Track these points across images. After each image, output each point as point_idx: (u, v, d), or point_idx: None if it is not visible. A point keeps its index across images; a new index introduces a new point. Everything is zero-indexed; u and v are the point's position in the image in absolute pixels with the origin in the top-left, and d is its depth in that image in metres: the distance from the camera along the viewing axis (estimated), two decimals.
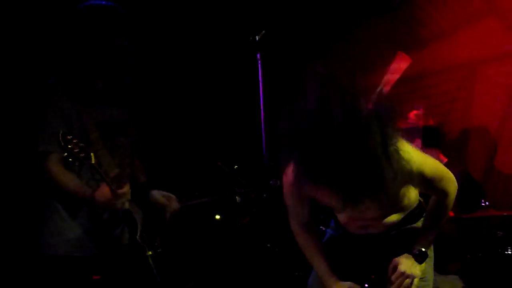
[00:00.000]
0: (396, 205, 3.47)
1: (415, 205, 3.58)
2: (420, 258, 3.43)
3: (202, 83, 6.25)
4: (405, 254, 3.44)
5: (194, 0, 6.16)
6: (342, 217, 3.61)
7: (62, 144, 3.68)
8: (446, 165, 5.48)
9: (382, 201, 3.13)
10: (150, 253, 4.12)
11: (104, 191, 3.86)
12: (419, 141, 5.62)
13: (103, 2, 4.10)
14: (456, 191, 3.47)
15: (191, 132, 6.21)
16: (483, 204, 5.07)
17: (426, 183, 3.36)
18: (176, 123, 6.18)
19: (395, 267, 3.42)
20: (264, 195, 5.31)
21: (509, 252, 5.05)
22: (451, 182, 3.46)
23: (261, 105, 3.37)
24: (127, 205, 3.98)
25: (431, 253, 3.60)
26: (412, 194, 3.51)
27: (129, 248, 4.08)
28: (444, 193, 3.46)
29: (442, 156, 5.69)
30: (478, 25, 6.05)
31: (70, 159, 3.72)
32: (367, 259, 3.61)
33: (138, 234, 4.08)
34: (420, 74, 6.26)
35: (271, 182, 4.36)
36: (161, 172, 5.91)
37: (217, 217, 5.93)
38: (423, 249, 3.43)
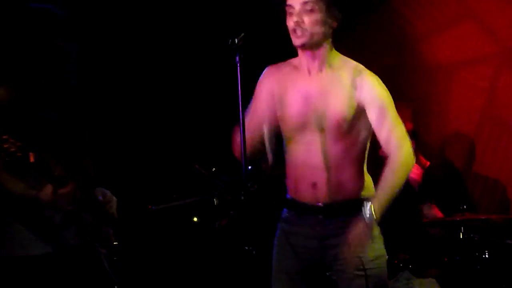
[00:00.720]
0: (345, 146, 3.55)
1: (365, 185, 3.63)
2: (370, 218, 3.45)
3: (181, 84, 6.23)
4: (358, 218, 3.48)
5: (173, 1, 6.15)
6: (292, 164, 3.66)
7: None
8: (429, 168, 5.55)
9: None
10: (104, 251, 4.10)
11: (47, 191, 3.84)
12: (413, 143, 5.63)
13: (40, 5, 4.11)
14: (410, 157, 3.55)
15: (169, 134, 6.18)
16: (460, 207, 5.09)
17: (377, 110, 3.51)
18: (154, 125, 6.16)
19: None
20: (242, 198, 5.30)
21: (486, 256, 5.06)
22: (406, 140, 3.56)
23: (240, 107, 3.35)
24: (72, 205, 3.96)
25: (379, 236, 3.64)
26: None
27: (79, 248, 4.06)
28: (393, 148, 3.52)
29: (424, 160, 5.71)
30: (455, 28, 6.07)
31: (7, 159, 3.69)
32: (319, 248, 3.63)
33: (89, 233, 4.06)
34: (398, 78, 6.27)
35: (249, 184, 4.35)
36: (139, 174, 5.90)
37: (195, 219, 5.91)
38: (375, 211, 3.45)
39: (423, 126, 5.98)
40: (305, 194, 3.63)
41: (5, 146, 3.67)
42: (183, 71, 6.22)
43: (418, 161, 5.67)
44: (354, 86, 3.58)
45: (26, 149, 3.73)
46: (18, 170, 3.91)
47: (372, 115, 3.56)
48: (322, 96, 3.60)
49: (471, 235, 5.08)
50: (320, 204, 3.60)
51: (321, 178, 3.58)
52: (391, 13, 6.24)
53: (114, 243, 4.20)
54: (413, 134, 5.62)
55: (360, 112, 3.57)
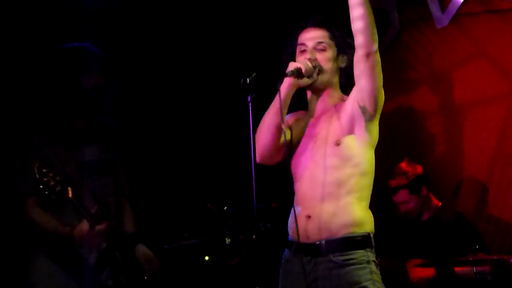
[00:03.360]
0: (342, 176, 3.55)
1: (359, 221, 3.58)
2: None
3: (193, 124, 6.25)
4: None
5: (186, 41, 6.18)
6: (296, 199, 3.67)
7: (38, 176, 3.68)
8: (441, 208, 5.52)
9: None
10: None
11: (82, 227, 3.85)
12: (425, 189, 5.62)
13: (77, 44, 4.14)
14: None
15: (181, 174, 6.19)
16: (473, 247, 5.05)
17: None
18: (166, 164, 6.17)
19: None
20: (254, 237, 5.29)
21: None
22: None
23: (252, 147, 3.36)
24: (104, 245, 3.96)
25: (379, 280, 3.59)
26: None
27: None
28: None
29: (435, 200, 5.68)
30: (467, 68, 6.07)
31: (46, 192, 3.71)
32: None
33: (122, 273, 4.05)
34: (409, 117, 6.27)
35: (260, 223, 4.35)
36: (150, 213, 5.90)
37: (207, 258, 5.89)
38: None
39: (435, 166, 5.96)
40: (300, 230, 3.59)
41: (44, 179, 3.70)
42: (195, 109, 6.25)
43: (429, 202, 5.65)
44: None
45: (65, 183, 3.75)
46: (54, 206, 3.93)
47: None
48: (323, 130, 3.68)
49: (485, 276, 5.04)
50: (309, 242, 3.59)
51: (315, 209, 3.59)
52: (403, 52, 6.25)
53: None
54: (424, 178, 5.63)
55: (350, 130, 3.60)
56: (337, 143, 3.58)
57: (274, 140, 3.65)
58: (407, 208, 5.66)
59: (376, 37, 3.46)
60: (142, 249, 4.29)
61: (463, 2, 5.94)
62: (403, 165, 5.66)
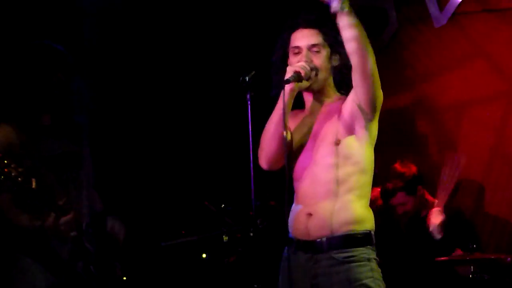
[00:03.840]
0: (342, 174, 3.56)
1: (360, 218, 3.59)
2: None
3: (193, 123, 6.25)
4: None
5: (184, 39, 6.18)
6: (296, 198, 3.70)
7: None
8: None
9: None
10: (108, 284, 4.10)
11: (50, 219, 3.85)
12: (420, 188, 5.63)
13: (38, 41, 4.17)
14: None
15: (178, 172, 6.19)
16: (470, 246, 5.06)
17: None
18: (164, 162, 6.17)
19: None
20: (251, 235, 5.30)
21: None
22: None
23: (250, 145, 3.36)
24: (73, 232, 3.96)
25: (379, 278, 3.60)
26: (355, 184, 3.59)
27: (85, 281, 4.06)
28: None
29: (430, 197, 5.69)
30: (465, 67, 6.07)
31: (9, 183, 3.71)
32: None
33: (93, 264, 4.06)
34: (407, 116, 6.27)
35: (258, 221, 4.36)
36: (148, 210, 5.91)
37: (204, 256, 5.90)
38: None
39: (432, 165, 5.96)
40: (300, 227, 3.62)
41: (5, 170, 3.70)
42: (194, 107, 6.25)
43: (426, 200, 5.66)
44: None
45: (28, 174, 3.75)
46: (22, 201, 3.93)
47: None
48: (323, 129, 3.69)
49: (481, 275, 5.04)
50: (310, 239, 3.59)
51: (316, 206, 3.59)
52: (400, 51, 6.25)
53: (121, 276, 4.19)
54: (419, 178, 5.64)
55: (350, 129, 3.61)
56: (337, 143, 3.59)
57: (280, 147, 3.65)
58: (405, 209, 5.67)
59: (371, 53, 3.45)
60: (110, 222, 4.30)
61: (461, 1, 5.94)
62: (398, 166, 5.67)
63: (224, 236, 5.34)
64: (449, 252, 5.23)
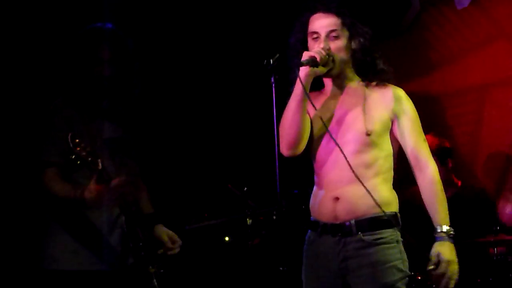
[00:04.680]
0: (369, 159, 3.59)
1: (389, 200, 3.63)
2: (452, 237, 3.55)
3: (216, 106, 6.26)
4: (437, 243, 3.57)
5: (209, 23, 6.19)
6: (318, 182, 3.74)
7: (71, 145, 3.69)
8: (461, 186, 5.52)
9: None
10: (152, 270, 4.10)
11: (91, 187, 3.84)
12: (450, 161, 5.62)
13: (99, 25, 4.16)
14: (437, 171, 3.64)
15: (202, 154, 6.21)
16: (494, 228, 5.06)
17: (410, 122, 3.66)
18: (188, 145, 6.19)
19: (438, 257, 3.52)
20: (274, 218, 5.31)
21: None
22: (431, 156, 3.70)
23: (275, 128, 3.37)
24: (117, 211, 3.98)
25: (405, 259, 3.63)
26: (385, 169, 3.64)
27: (134, 267, 4.07)
28: (425, 161, 3.65)
29: (456, 179, 5.69)
30: (488, 49, 6.05)
31: (78, 162, 3.71)
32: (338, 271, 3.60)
33: (142, 249, 4.07)
34: (430, 98, 6.26)
35: (283, 203, 4.35)
36: (172, 194, 5.93)
37: (227, 239, 5.93)
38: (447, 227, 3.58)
39: (455, 147, 5.96)
40: (326, 211, 3.64)
41: (77, 149, 3.71)
42: (218, 91, 6.26)
43: (452, 179, 5.66)
44: (384, 97, 3.68)
45: (95, 155, 3.77)
46: (74, 178, 3.96)
47: (404, 125, 3.67)
48: (346, 114, 3.68)
49: (505, 256, 5.05)
50: (338, 222, 3.60)
51: (343, 190, 3.60)
52: (423, 33, 6.24)
53: (162, 264, 4.21)
54: (451, 152, 5.63)
55: (386, 124, 3.65)
56: (368, 133, 3.59)
57: (300, 133, 3.65)
58: None
59: None
60: (161, 228, 4.30)
61: None
62: (430, 135, 5.64)
63: (247, 219, 5.36)
64: (472, 232, 5.23)
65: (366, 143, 3.60)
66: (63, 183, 3.94)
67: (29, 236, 4.57)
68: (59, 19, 5.26)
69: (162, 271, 4.15)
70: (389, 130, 3.67)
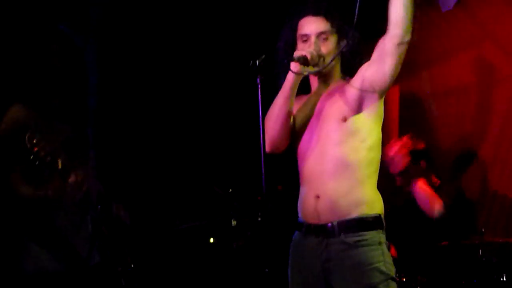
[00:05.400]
0: (347, 151, 3.58)
1: (370, 200, 3.61)
2: None
3: (202, 106, 6.25)
4: None
5: (196, 24, 6.17)
6: (302, 179, 3.73)
7: (28, 146, 3.67)
8: (439, 186, 5.53)
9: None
10: (120, 269, 4.10)
11: (54, 185, 3.85)
12: (423, 163, 5.63)
13: (50, 26, 4.18)
14: None
15: (187, 155, 6.19)
16: (479, 230, 5.07)
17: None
18: (172, 146, 6.17)
19: None
20: (259, 219, 5.30)
21: (504, 279, 5.04)
22: None
23: (260, 129, 3.36)
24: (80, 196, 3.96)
25: (389, 259, 3.61)
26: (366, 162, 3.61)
27: (100, 266, 4.07)
28: None
29: (434, 178, 5.70)
30: (473, 50, 6.06)
31: (37, 162, 3.71)
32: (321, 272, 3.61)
33: (108, 247, 4.07)
34: (415, 99, 6.27)
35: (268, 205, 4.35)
36: (156, 195, 5.91)
37: (212, 240, 5.91)
38: None
39: (439, 148, 5.96)
40: (308, 211, 3.66)
41: (35, 149, 3.70)
42: (203, 91, 6.25)
43: (429, 180, 5.67)
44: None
45: (55, 154, 3.76)
46: (31, 175, 3.94)
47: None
48: (327, 108, 3.72)
49: (490, 258, 5.06)
50: (321, 223, 3.61)
51: (324, 187, 3.61)
52: None
53: (131, 263, 4.20)
54: (425, 153, 5.64)
55: (358, 106, 3.64)
56: (343, 119, 3.62)
57: (284, 130, 3.70)
58: (404, 177, 5.66)
59: (411, 28, 3.48)
60: (115, 208, 4.32)
61: None
62: (405, 138, 5.66)
63: (232, 220, 5.35)
64: (451, 232, 5.25)
65: (346, 131, 3.62)
66: (27, 185, 3.94)
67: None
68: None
69: (131, 268, 4.14)
70: (372, 118, 3.66)
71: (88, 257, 4.05)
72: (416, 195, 5.45)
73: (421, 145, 5.67)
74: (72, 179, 3.86)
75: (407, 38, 3.50)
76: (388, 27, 3.50)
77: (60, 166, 3.79)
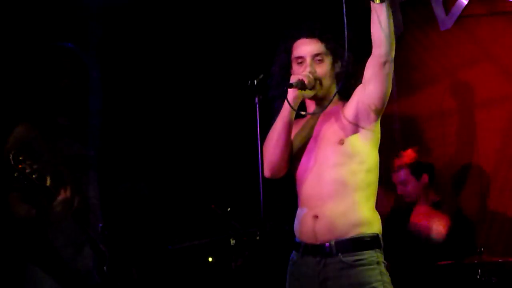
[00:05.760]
0: (345, 173, 3.58)
1: (366, 219, 3.61)
2: None
3: (200, 126, 6.25)
4: None
5: (192, 42, 6.18)
6: (300, 200, 3.73)
7: (12, 163, 3.67)
8: (438, 203, 5.53)
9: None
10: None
11: (44, 202, 3.85)
12: (426, 177, 5.63)
13: (58, 43, 4.18)
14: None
15: (186, 175, 6.19)
16: (478, 250, 5.06)
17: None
18: (171, 165, 6.16)
19: None
20: (257, 238, 5.29)
21: None
22: None
23: (259, 149, 3.36)
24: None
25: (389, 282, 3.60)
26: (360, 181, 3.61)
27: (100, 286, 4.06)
28: None
29: (434, 194, 5.69)
30: (471, 70, 6.08)
31: (21, 178, 3.70)
32: None
33: (107, 266, 4.06)
34: (413, 119, 6.27)
35: (267, 225, 4.34)
36: (155, 214, 5.90)
37: (210, 259, 5.90)
38: None
39: (438, 167, 5.95)
40: (306, 231, 3.66)
41: (19, 166, 3.69)
42: (201, 110, 6.25)
43: (427, 194, 5.66)
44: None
45: (43, 172, 3.75)
46: (30, 196, 3.94)
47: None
48: (325, 131, 3.73)
49: (489, 278, 5.04)
50: (318, 243, 3.61)
51: (322, 208, 3.61)
52: (406, 54, 6.25)
53: (137, 280, 4.19)
54: (429, 167, 5.64)
55: (355, 129, 3.65)
56: (341, 142, 3.63)
57: (283, 155, 3.71)
58: (404, 191, 5.66)
59: (394, 45, 3.48)
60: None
61: (467, 4, 5.94)
62: (411, 149, 5.67)
63: (231, 240, 5.34)
64: (451, 251, 5.24)
65: (343, 153, 3.63)
66: (22, 205, 3.94)
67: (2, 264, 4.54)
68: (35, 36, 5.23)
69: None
70: (369, 140, 3.66)
71: (87, 277, 4.05)
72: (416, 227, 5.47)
73: (425, 158, 5.68)
74: (61, 196, 3.86)
75: (391, 56, 3.49)
76: (373, 48, 3.51)
77: (48, 183, 3.79)
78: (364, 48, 3.59)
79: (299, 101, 3.65)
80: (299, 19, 3.87)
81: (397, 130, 6.16)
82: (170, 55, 6.16)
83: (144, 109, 6.04)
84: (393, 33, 3.45)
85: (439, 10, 6.06)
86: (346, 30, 3.39)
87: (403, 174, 5.65)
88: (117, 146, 4.59)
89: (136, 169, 5.12)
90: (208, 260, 5.94)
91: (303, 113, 3.70)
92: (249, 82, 3.38)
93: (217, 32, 6.19)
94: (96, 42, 4.58)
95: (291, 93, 3.58)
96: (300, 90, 3.58)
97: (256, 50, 5.79)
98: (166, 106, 6.17)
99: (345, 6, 3.34)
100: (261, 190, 3.38)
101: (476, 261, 5.02)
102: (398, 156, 5.67)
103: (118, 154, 4.52)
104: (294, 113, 3.67)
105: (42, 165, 3.80)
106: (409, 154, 5.66)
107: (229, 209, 5.48)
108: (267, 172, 3.68)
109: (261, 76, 3.40)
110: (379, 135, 3.71)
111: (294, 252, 3.76)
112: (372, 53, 3.51)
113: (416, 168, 5.63)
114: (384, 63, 3.47)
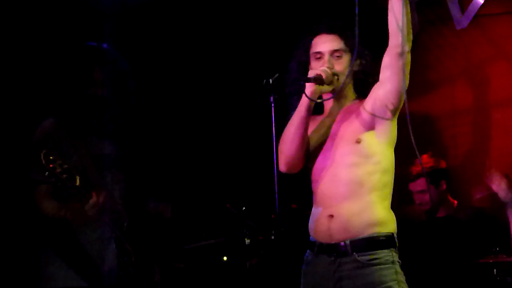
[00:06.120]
0: (362, 173, 3.57)
1: (382, 220, 3.59)
2: None
3: (216, 125, 6.26)
4: None
5: (208, 41, 6.19)
6: (315, 200, 3.71)
7: (43, 162, 3.69)
8: (457, 207, 5.50)
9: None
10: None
11: (74, 206, 3.86)
12: (444, 183, 5.61)
13: (94, 44, 4.19)
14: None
15: (201, 173, 6.20)
16: (493, 249, 5.04)
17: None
18: (186, 164, 6.18)
19: None
20: (272, 237, 5.30)
21: None
22: None
23: (274, 147, 3.37)
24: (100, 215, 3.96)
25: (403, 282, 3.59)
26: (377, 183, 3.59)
27: (126, 285, 4.08)
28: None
29: (451, 199, 5.67)
30: (487, 69, 6.07)
31: (53, 179, 3.72)
32: None
33: (132, 265, 4.07)
34: (428, 118, 6.26)
35: (281, 225, 4.37)
36: (170, 213, 5.91)
37: (225, 258, 5.91)
38: None
39: (454, 167, 5.94)
40: (321, 230, 3.64)
41: (50, 166, 3.71)
42: (217, 110, 6.26)
43: (446, 199, 5.64)
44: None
45: (73, 172, 3.76)
46: (60, 193, 3.96)
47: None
48: (341, 129, 3.70)
49: (505, 277, 5.02)
50: (333, 242, 3.60)
51: (337, 208, 3.59)
52: (422, 54, 6.24)
53: (159, 281, 4.20)
54: (445, 173, 5.61)
55: (371, 128, 3.63)
56: (358, 141, 3.61)
57: (299, 151, 3.68)
58: (423, 200, 5.63)
59: (411, 37, 3.46)
60: (152, 204, 4.33)
61: (482, 4, 5.92)
62: (426, 156, 5.63)
63: (246, 239, 5.35)
64: (470, 252, 5.22)
65: (360, 153, 3.61)
66: (51, 201, 3.95)
67: (26, 256, 4.57)
68: (54, 35, 5.26)
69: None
70: (386, 140, 3.64)
71: (116, 273, 4.06)
72: None
73: (443, 164, 5.65)
74: (93, 200, 3.87)
75: (407, 47, 3.45)
76: (389, 39, 3.49)
77: (78, 183, 3.80)
78: (382, 48, 3.57)
79: (317, 96, 3.63)
80: (315, 18, 3.86)
81: (410, 130, 6.14)
82: (186, 55, 6.17)
83: (161, 108, 6.04)
84: (410, 23, 3.43)
85: (455, 10, 6.05)
86: (357, 29, 3.38)
87: (421, 184, 5.59)
88: (138, 146, 4.59)
89: (150, 169, 5.09)
90: (223, 259, 5.95)
91: (319, 100, 3.64)
92: (265, 81, 3.38)
93: (234, 32, 6.19)
94: (112, 43, 4.58)
95: (309, 88, 3.56)
96: (317, 85, 3.57)
97: (272, 49, 5.80)
98: (183, 105, 6.19)
99: (361, 5, 3.33)
100: (276, 189, 3.39)
101: (491, 261, 5.00)
102: (414, 164, 5.61)
103: (138, 154, 4.53)
104: (312, 108, 3.64)
105: (72, 164, 3.82)
106: (425, 162, 5.60)
107: (244, 208, 5.48)
108: (283, 167, 3.67)
109: (277, 75, 3.41)
110: (395, 135, 3.69)
111: (308, 251, 3.75)
112: (389, 45, 3.49)
113: (434, 176, 5.59)
114: (400, 53, 3.43)
